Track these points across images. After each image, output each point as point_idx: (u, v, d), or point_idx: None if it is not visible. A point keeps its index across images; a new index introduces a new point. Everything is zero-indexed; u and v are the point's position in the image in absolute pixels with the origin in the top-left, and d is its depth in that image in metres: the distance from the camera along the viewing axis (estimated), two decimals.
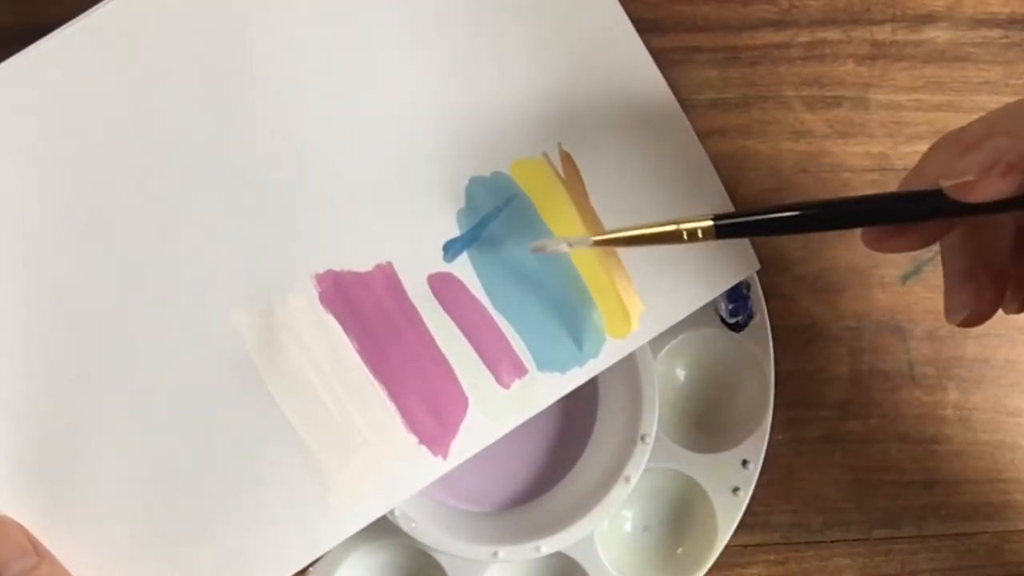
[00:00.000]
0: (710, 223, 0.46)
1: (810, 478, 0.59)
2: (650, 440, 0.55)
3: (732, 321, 0.57)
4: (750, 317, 0.57)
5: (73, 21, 0.50)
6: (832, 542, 0.59)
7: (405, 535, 0.54)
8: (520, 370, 0.53)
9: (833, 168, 0.58)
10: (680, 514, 0.58)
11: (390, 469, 0.52)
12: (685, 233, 0.46)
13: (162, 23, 0.50)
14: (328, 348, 0.51)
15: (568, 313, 0.53)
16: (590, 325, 0.53)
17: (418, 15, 0.52)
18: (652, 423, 0.55)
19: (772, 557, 0.59)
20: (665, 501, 0.58)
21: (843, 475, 0.59)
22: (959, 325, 0.48)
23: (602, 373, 0.54)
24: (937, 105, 0.58)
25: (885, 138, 0.58)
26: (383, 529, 0.53)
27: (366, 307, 0.52)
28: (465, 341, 0.52)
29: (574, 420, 0.58)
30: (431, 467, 0.52)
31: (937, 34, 0.58)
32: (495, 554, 0.54)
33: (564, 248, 0.51)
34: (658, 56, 0.55)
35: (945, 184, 0.42)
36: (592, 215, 0.53)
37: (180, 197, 0.51)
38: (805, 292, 0.58)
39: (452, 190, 0.52)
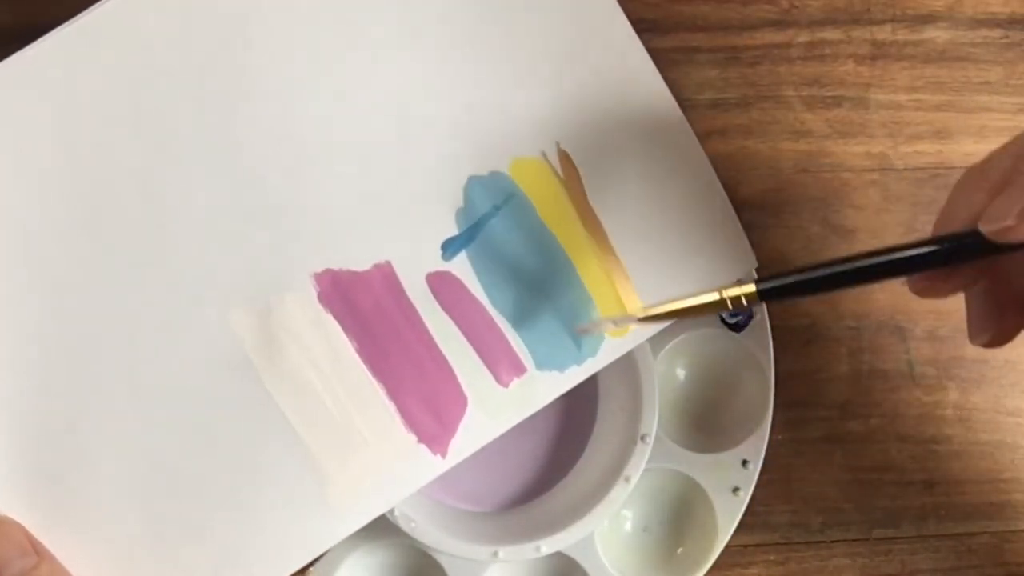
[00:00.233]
0: (752, 288, 0.46)
1: (810, 478, 0.58)
2: (650, 440, 0.55)
3: (732, 321, 0.57)
4: (750, 317, 0.57)
5: (73, 20, 0.50)
6: (832, 542, 0.59)
7: (405, 535, 0.54)
8: (519, 369, 0.53)
9: (833, 168, 0.58)
10: (680, 514, 0.58)
11: (389, 468, 0.52)
12: (729, 302, 0.46)
13: (161, 22, 0.50)
14: (327, 347, 0.52)
15: (567, 312, 0.53)
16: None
17: (417, 15, 0.52)
18: (652, 423, 0.55)
19: (772, 557, 0.59)
20: (665, 501, 0.58)
21: (843, 475, 0.59)
22: (983, 346, 0.48)
23: (602, 373, 0.54)
24: (937, 105, 0.58)
25: (885, 138, 0.58)
26: (383, 529, 0.54)
27: (365, 306, 0.52)
28: (464, 340, 0.52)
29: (574, 420, 0.58)
30: (430, 466, 0.52)
31: (937, 34, 0.58)
32: (495, 554, 0.54)
33: (609, 327, 0.51)
34: (658, 56, 0.55)
35: (985, 229, 0.42)
36: (591, 214, 0.53)
37: (179, 197, 0.51)
38: None
39: (451, 189, 0.52)
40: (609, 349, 0.53)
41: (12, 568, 0.48)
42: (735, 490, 0.57)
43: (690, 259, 0.54)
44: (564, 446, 0.58)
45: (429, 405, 0.52)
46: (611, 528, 0.58)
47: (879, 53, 0.58)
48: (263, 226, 0.51)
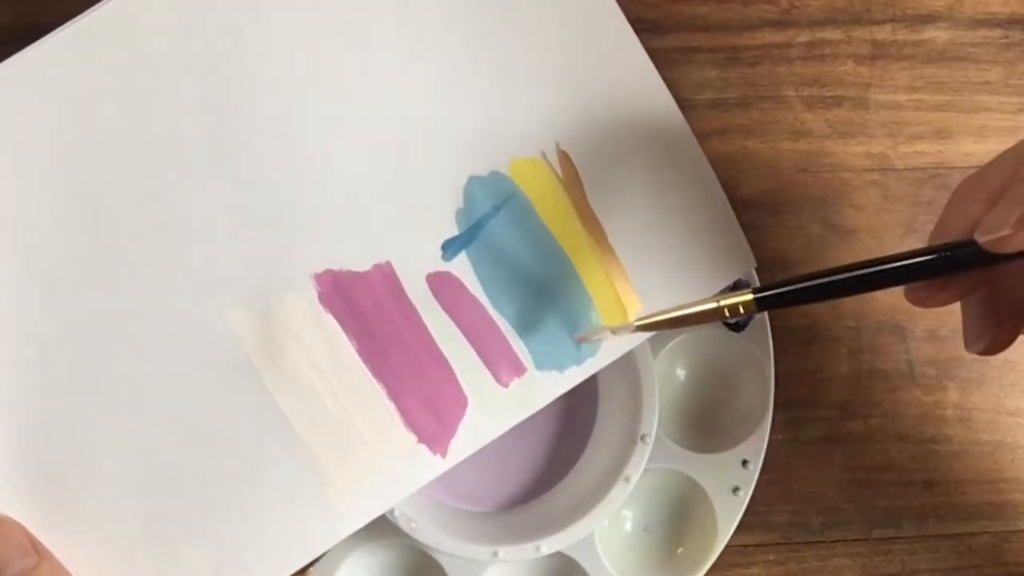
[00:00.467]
0: (750, 297, 0.46)
1: (810, 478, 0.59)
2: (650, 440, 0.55)
3: (732, 321, 0.57)
4: (750, 317, 0.57)
5: (73, 21, 0.50)
6: (832, 542, 0.59)
7: (405, 535, 0.54)
8: (519, 369, 0.53)
9: (833, 168, 0.58)
10: (680, 514, 0.58)
11: (389, 468, 0.52)
12: (727, 310, 0.46)
13: (161, 23, 0.50)
14: (327, 348, 0.51)
15: (566, 312, 0.53)
16: (588, 324, 0.53)
17: (416, 16, 0.52)
18: (652, 423, 0.55)
19: (772, 557, 0.59)
20: (665, 501, 0.58)
21: (843, 475, 0.59)
22: (979, 354, 0.48)
23: (602, 373, 0.54)
24: (937, 105, 0.58)
25: (885, 138, 0.58)
26: (383, 529, 0.54)
27: (365, 306, 0.52)
28: (464, 340, 0.52)
29: (574, 420, 0.58)
30: (430, 466, 0.52)
31: (937, 34, 0.58)
32: (495, 554, 0.54)
33: (608, 336, 0.51)
34: (658, 56, 0.55)
35: (981, 239, 0.43)
36: (590, 214, 0.53)
37: (179, 197, 0.51)
38: None
39: (451, 189, 0.52)
40: (609, 349, 0.53)
41: (12, 568, 0.48)
42: (735, 490, 0.57)
43: (689, 259, 0.54)
44: (564, 446, 0.58)
45: (429, 405, 0.52)
46: (611, 528, 0.58)
47: (879, 53, 0.58)
48: (263, 226, 0.51)
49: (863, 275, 0.45)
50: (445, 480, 0.53)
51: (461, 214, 0.52)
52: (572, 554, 0.56)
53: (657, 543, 0.59)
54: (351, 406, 0.52)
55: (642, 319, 0.48)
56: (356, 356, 0.52)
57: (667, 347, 0.56)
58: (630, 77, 0.54)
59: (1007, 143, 0.46)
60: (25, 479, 0.50)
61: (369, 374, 0.52)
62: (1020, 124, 0.58)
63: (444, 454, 0.52)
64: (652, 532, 0.59)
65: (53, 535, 0.50)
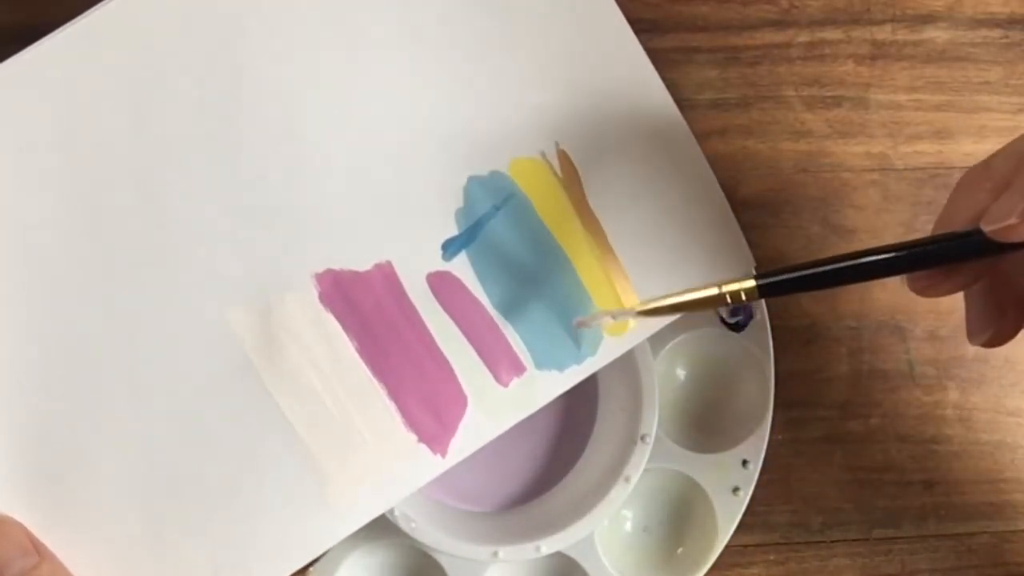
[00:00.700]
0: (752, 284, 0.46)
1: (810, 478, 0.58)
2: (650, 440, 0.55)
3: (732, 321, 0.57)
4: (750, 317, 0.57)
5: (73, 21, 0.50)
6: (832, 542, 0.59)
7: (405, 535, 0.54)
8: (518, 368, 0.53)
9: (833, 168, 0.58)
10: (680, 514, 0.58)
11: (389, 468, 0.52)
12: (728, 296, 0.46)
13: (161, 23, 0.50)
14: (327, 347, 0.52)
15: (566, 311, 0.53)
16: None
17: (417, 15, 0.52)
18: (652, 423, 0.55)
19: (772, 557, 0.59)
20: (665, 501, 0.58)
21: (843, 475, 0.59)
22: (982, 346, 0.48)
23: (602, 373, 0.54)
24: (937, 105, 0.58)
25: (885, 138, 0.58)
26: (383, 529, 0.54)
27: (366, 306, 0.52)
28: (464, 340, 0.52)
29: (574, 420, 0.58)
30: (430, 465, 0.52)
31: (937, 34, 0.58)
32: (495, 554, 0.54)
33: (607, 321, 0.51)
34: (658, 56, 0.55)
35: (988, 228, 0.42)
36: (589, 214, 0.53)
37: (179, 197, 0.51)
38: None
39: (450, 189, 0.52)
40: (609, 348, 0.53)
41: (13, 568, 0.48)
42: (735, 490, 0.57)
43: (688, 259, 0.54)
44: (564, 446, 0.58)
45: (429, 405, 0.52)
46: (611, 528, 0.58)
47: (879, 53, 0.58)
48: (263, 226, 0.51)
49: (866, 263, 0.45)
50: (445, 480, 0.53)
51: (461, 214, 0.52)
52: (572, 554, 0.56)
53: (657, 543, 0.59)
54: (351, 406, 0.52)
55: (644, 304, 0.48)
56: (356, 356, 0.52)
57: (667, 347, 0.56)
58: (629, 77, 0.54)
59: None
60: (25, 479, 0.50)
61: (369, 374, 0.52)
62: (1020, 124, 0.58)
63: (444, 454, 0.52)
64: (652, 532, 0.59)
65: (54, 535, 0.50)
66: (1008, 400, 0.58)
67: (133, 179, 0.50)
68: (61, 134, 0.50)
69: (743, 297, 0.46)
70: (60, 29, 0.50)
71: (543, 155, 0.53)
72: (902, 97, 0.58)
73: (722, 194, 0.55)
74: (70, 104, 0.50)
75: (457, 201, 0.52)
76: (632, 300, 0.53)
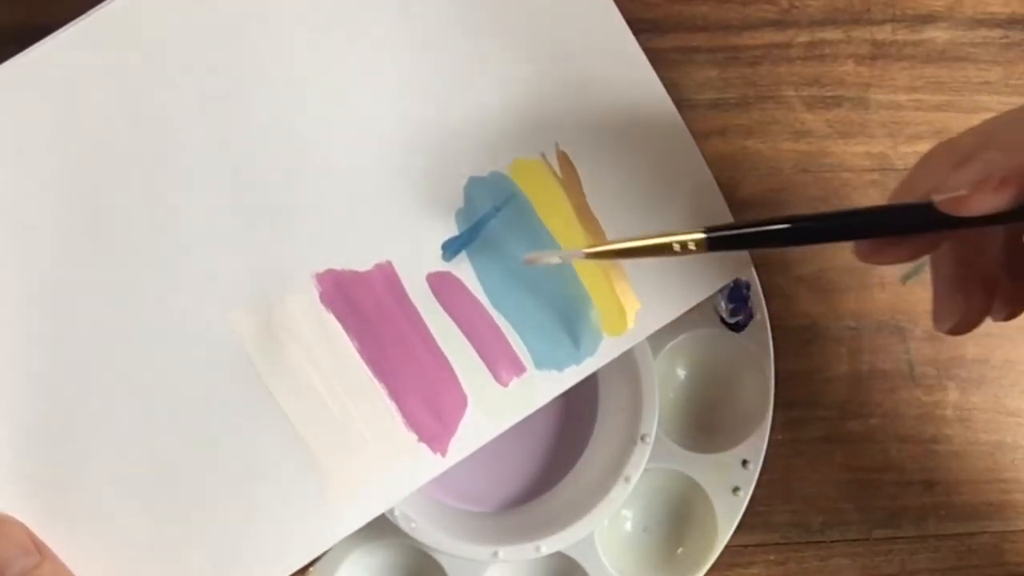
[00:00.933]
0: (702, 235, 0.46)
1: (810, 478, 0.59)
2: (650, 440, 0.55)
3: (732, 321, 0.57)
4: (750, 317, 0.57)
5: (74, 22, 0.50)
6: (832, 542, 0.59)
7: (405, 535, 0.54)
8: (518, 368, 0.53)
9: (833, 168, 0.58)
10: (680, 514, 0.58)
11: (390, 467, 0.52)
12: (677, 245, 0.46)
13: (162, 24, 0.50)
14: (328, 347, 0.52)
15: (565, 311, 0.53)
16: (587, 323, 0.53)
17: (417, 16, 0.52)
18: (652, 423, 0.55)
19: (772, 557, 0.59)
20: (665, 501, 0.58)
21: (843, 475, 0.59)
22: (947, 333, 0.48)
23: (602, 372, 0.54)
24: (937, 105, 0.58)
25: (885, 138, 0.58)
26: (383, 529, 0.54)
27: (366, 306, 0.52)
28: (464, 340, 0.52)
29: (574, 420, 0.58)
30: (430, 465, 0.52)
31: (937, 34, 0.58)
32: (495, 554, 0.54)
33: (556, 260, 0.51)
34: (658, 56, 0.55)
35: (937, 198, 0.42)
36: (589, 214, 0.53)
37: (180, 197, 0.51)
38: (805, 292, 0.58)
39: (451, 190, 0.52)
40: (608, 348, 0.53)
41: (15, 567, 0.48)
42: (735, 490, 0.57)
43: (687, 258, 0.54)
44: (564, 446, 0.58)
45: (429, 404, 0.52)
46: (611, 528, 0.58)
47: (879, 53, 0.58)
48: (264, 226, 0.51)
49: (814, 226, 0.45)
50: (445, 480, 0.53)
51: (461, 214, 0.52)
52: (572, 554, 0.56)
53: (657, 543, 0.59)
54: (352, 405, 0.52)
55: (593, 247, 0.48)
56: (357, 356, 0.52)
57: (667, 347, 0.56)
58: (628, 78, 0.54)
59: None
60: (26, 479, 0.50)
61: (370, 373, 0.52)
62: None
63: (444, 453, 0.52)
64: (652, 532, 0.59)
65: (54, 535, 0.50)
66: (1008, 400, 0.58)
67: (134, 180, 0.50)
68: (61, 134, 0.50)
69: (692, 247, 0.46)
70: (61, 29, 0.50)
71: (543, 156, 0.53)
72: (902, 97, 0.58)
73: (720, 194, 0.55)
74: (70, 104, 0.50)
75: (457, 201, 0.52)
76: (631, 300, 0.53)
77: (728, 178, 0.57)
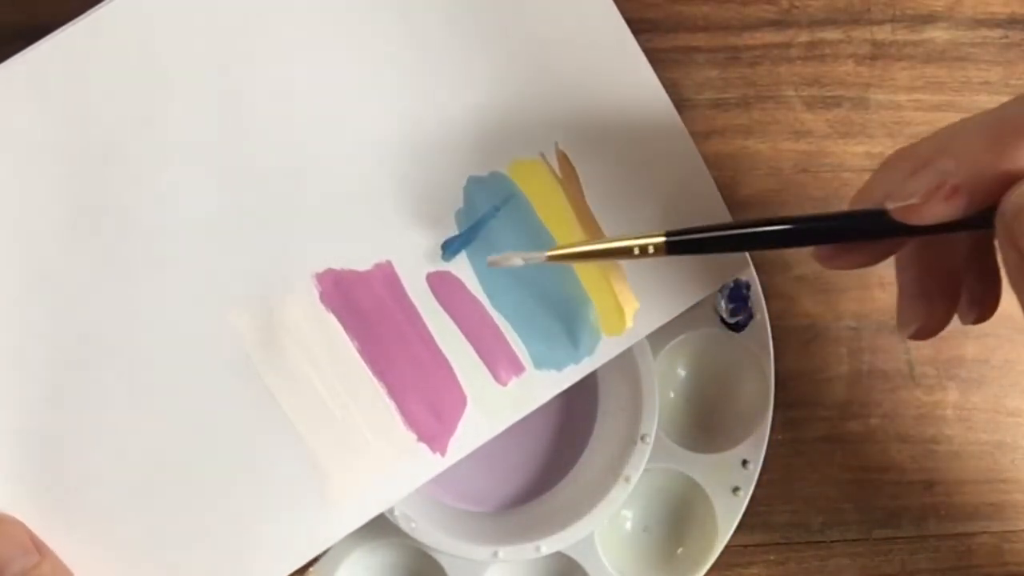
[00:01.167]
0: (662, 239, 0.46)
1: (810, 478, 0.59)
2: (650, 440, 0.55)
3: (732, 321, 0.57)
4: (750, 317, 0.57)
5: (74, 21, 0.50)
6: (832, 542, 0.59)
7: (405, 535, 0.54)
8: (517, 368, 0.53)
9: (833, 168, 0.58)
10: (680, 514, 0.58)
11: (389, 467, 0.52)
12: (636, 249, 0.46)
13: (162, 23, 0.50)
14: (328, 347, 0.52)
15: (564, 311, 0.53)
16: (586, 323, 0.53)
17: (417, 16, 0.52)
18: (652, 423, 0.55)
19: (772, 557, 0.59)
20: (665, 501, 0.58)
21: (843, 475, 0.59)
22: (909, 338, 0.48)
23: (601, 372, 0.54)
24: (937, 105, 0.58)
25: (885, 138, 0.58)
26: (383, 529, 0.54)
27: (366, 306, 0.52)
28: (463, 339, 0.52)
29: (574, 420, 0.58)
30: (430, 464, 0.52)
31: (937, 34, 0.58)
32: (495, 554, 0.54)
33: (518, 263, 0.50)
34: (658, 56, 0.55)
35: (891, 206, 0.43)
36: (588, 214, 0.53)
37: (180, 197, 0.51)
38: (805, 292, 0.58)
39: (450, 190, 0.52)
40: (607, 348, 0.53)
41: (14, 566, 0.48)
42: (735, 490, 0.57)
43: (685, 258, 0.54)
44: (564, 446, 0.58)
45: (429, 404, 0.52)
46: (611, 528, 0.57)
47: (879, 53, 0.58)
48: (264, 226, 0.51)
49: (772, 231, 0.45)
50: (445, 480, 0.53)
51: (461, 214, 0.52)
52: (572, 554, 0.56)
53: (657, 543, 0.59)
54: (351, 405, 0.52)
55: (554, 250, 0.48)
56: (357, 355, 0.52)
57: (667, 347, 0.56)
58: (628, 78, 0.54)
59: None
60: (26, 478, 0.50)
61: (369, 373, 0.52)
62: None
63: (444, 452, 0.52)
64: (652, 532, 0.59)
65: (54, 534, 0.50)
66: (1008, 400, 0.58)
67: (134, 180, 0.50)
68: (59, 134, 0.50)
69: (651, 251, 0.46)
70: (60, 29, 0.50)
71: (543, 156, 0.53)
72: (902, 97, 0.58)
73: (719, 195, 0.54)
74: (70, 104, 0.50)
75: (457, 201, 0.52)
76: (630, 300, 0.53)
77: (728, 178, 0.57)
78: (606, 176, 0.53)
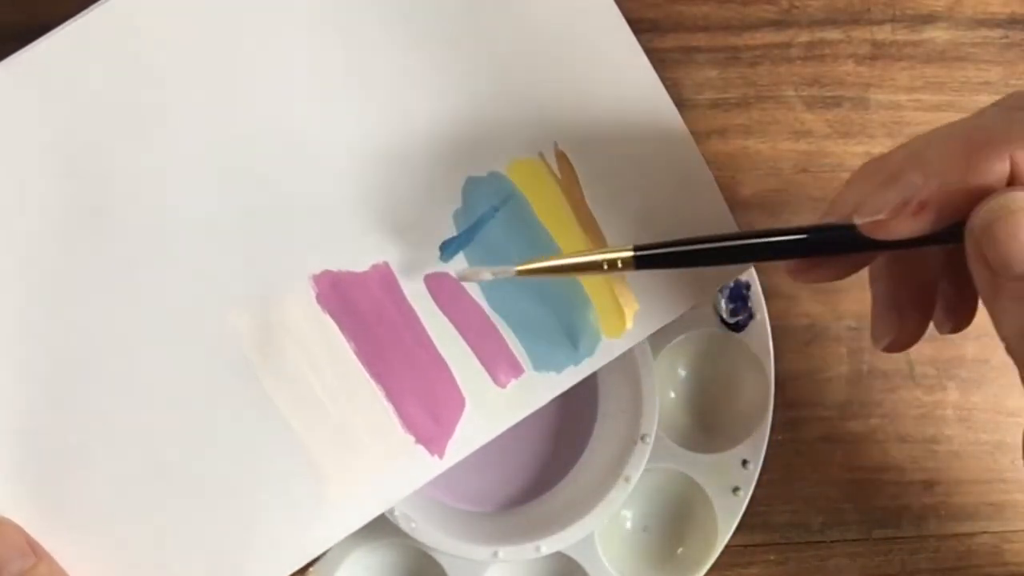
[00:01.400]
0: (630, 254, 0.46)
1: (810, 478, 0.59)
2: (650, 440, 0.55)
3: (732, 321, 0.57)
4: (750, 317, 0.57)
5: (71, 20, 0.50)
6: (832, 542, 0.59)
7: (405, 535, 0.54)
8: (516, 369, 0.53)
9: (833, 168, 0.58)
10: (680, 514, 0.58)
11: (387, 469, 0.52)
12: (605, 264, 0.47)
13: (161, 22, 0.50)
14: (325, 349, 0.52)
15: (564, 313, 0.53)
16: (586, 324, 0.53)
17: (415, 16, 0.52)
18: (652, 423, 0.55)
19: (772, 557, 0.59)
20: (665, 501, 0.58)
21: (843, 475, 0.59)
22: (883, 350, 0.48)
23: (602, 372, 0.54)
24: (937, 105, 0.58)
25: (885, 138, 0.58)
26: (383, 529, 0.54)
27: (363, 307, 0.52)
28: (462, 341, 0.52)
29: (574, 420, 0.58)
30: (428, 466, 0.52)
31: (937, 34, 0.58)
32: (495, 554, 0.54)
33: (487, 277, 0.50)
34: (658, 56, 0.55)
35: (858, 221, 0.42)
36: (587, 214, 0.53)
37: (177, 197, 0.51)
38: (805, 292, 0.58)
39: (449, 190, 0.52)
40: (606, 350, 0.53)
41: (11, 568, 0.48)
42: (735, 490, 0.57)
43: None
44: (564, 446, 0.58)
45: (427, 406, 0.52)
46: (611, 528, 0.58)
47: (879, 53, 0.58)
48: (261, 227, 0.51)
49: (736, 246, 0.45)
50: (445, 480, 0.53)
51: (459, 215, 0.52)
52: (572, 554, 0.56)
53: (657, 543, 0.59)
54: (349, 407, 0.52)
55: (524, 264, 0.48)
56: (354, 357, 0.52)
57: (667, 347, 0.56)
58: (628, 78, 0.54)
59: None
60: (22, 480, 0.50)
61: (367, 375, 0.52)
62: None
63: (442, 454, 0.52)
64: (652, 532, 0.59)
65: (51, 536, 0.50)
66: (1008, 400, 0.58)
67: (131, 180, 0.50)
68: (59, 133, 0.50)
69: (620, 266, 0.46)
70: (59, 28, 0.50)
71: (542, 156, 0.53)
72: (902, 97, 0.58)
73: (720, 195, 0.54)
74: (68, 103, 0.50)
75: (455, 202, 0.52)
76: (630, 301, 0.53)
77: (728, 178, 0.57)
78: (606, 176, 0.53)
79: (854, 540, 0.59)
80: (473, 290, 0.52)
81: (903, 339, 0.47)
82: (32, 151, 0.50)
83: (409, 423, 0.52)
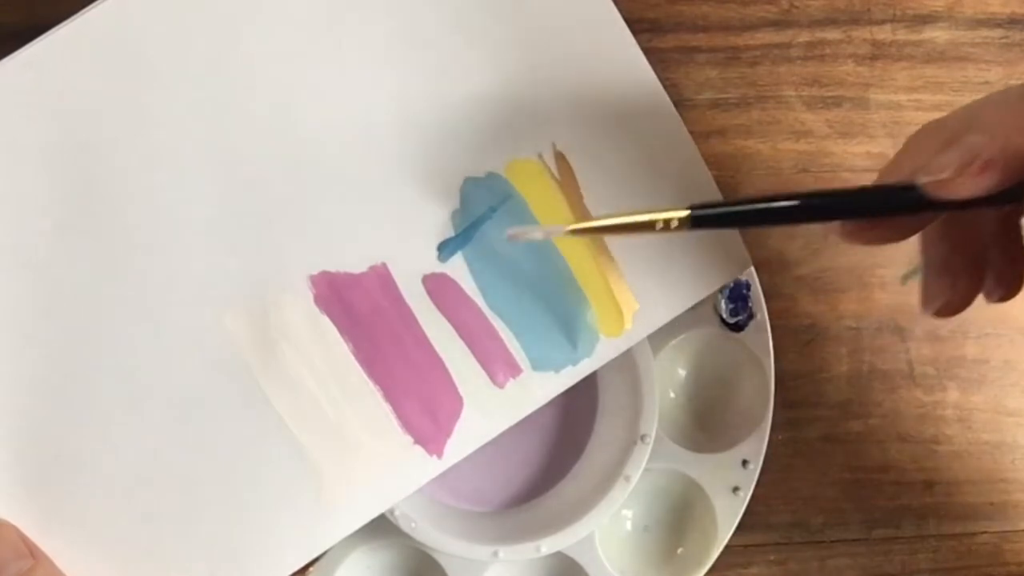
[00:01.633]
0: (686, 212, 0.45)
1: (810, 478, 0.59)
2: (650, 440, 0.55)
3: (732, 321, 0.57)
4: (750, 317, 0.57)
5: (70, 20, 0.50)
6: (832, 542, 0.59)
7: (405, 535, 0.54)
8: (514, 370, 0.53)
9: (833, 168, 0.58)
10: (680, 514, 0.58)
11: (386, 469, 0.52)
12: (660, 223, 0.45)
13: (159, 22, 0.50)
14: (323, 349, 0.52)
15: (562, 312, 0.53)
16: (584, 324, 0.53)
17: (411, 16, 0.52)
18: (652, 423, 0.55)
19: (772, 557, 0.59)
20: (665, 501, 0.58)
21: (843, 475, 0.59)
22: (933, 315, 0.47)
23: (601, 372, 0.54)
24: (937, 105, 0.58)
25: (885, 138, 0.58)
26: (383, 529, 0.54)
27: (361, 308, 0.52)
28: (460, 341, 0.52)
29: (574, 420, 0.58)
30: (427, 467, 0.52)
31: (937, 34, 0.58)
32: (495, 554, 0.54)
33: (539, 236, 0.50)
34: (658, 56, 0.55)
35: (921, 181, 0.42)
36: (586, 215, 0.53)
37: (174, 198, 0.51)
38: (805, 292, 0.58)
39: (446, 191, 0.52)
40: (605, 349, 0.53)
41: (8, 570, 0.48)
42: (735, 490, 0.57)
43: (684, 259, 0.54)
44: (564, 446, 0.58)
45: (425, 406, 0.52)
46: (611, 528, 0.58)
47: (879, 53, 0.58)
48: (259, 228, 0.51)
49: (797, 205, 0.45)
50: (445, 480, 0.53)
51: (457, 215, 0.52)
52: (572, 554, 0.56)
53: (657, 543, 0.59)
54: (347, 408, 0.52)
55: (576, 224, 0.47)
56: (352, 358, 0.52)
57: (667, 347, 0.56)
58: (626, 78, 0.54)
59: None
60: (20, 481, 0.50)
61: (365, 376, 0.52)
62: None
63: (440, 455, 0.52)
64: (652, 532, 0.59)
65: (48, 537, 0.50)
66: (1008, 400, 0.58)
67: (130, 180, 0.50)
68: (58, 133, 0.50)
69: (676, 224, 0.45)
70: (57, 28, 0.50)
71: (540, 157, 0.53)
72: (902, 97, 0.58)
73: (720, 195, 0.54)
74: (67, 102, 0.50)
75: (453, 203, 0.52)
76: (629, 301, 0.53)
77: (728, 178, 0.57)
78: (604, 177, 0.53)
79: (854, 540, 0.59)
80: (471, 290, 0.52)
81: (955, 303, 0.47)
82: (31, 150, 0.50)
83: (408, 423, 0.52)
